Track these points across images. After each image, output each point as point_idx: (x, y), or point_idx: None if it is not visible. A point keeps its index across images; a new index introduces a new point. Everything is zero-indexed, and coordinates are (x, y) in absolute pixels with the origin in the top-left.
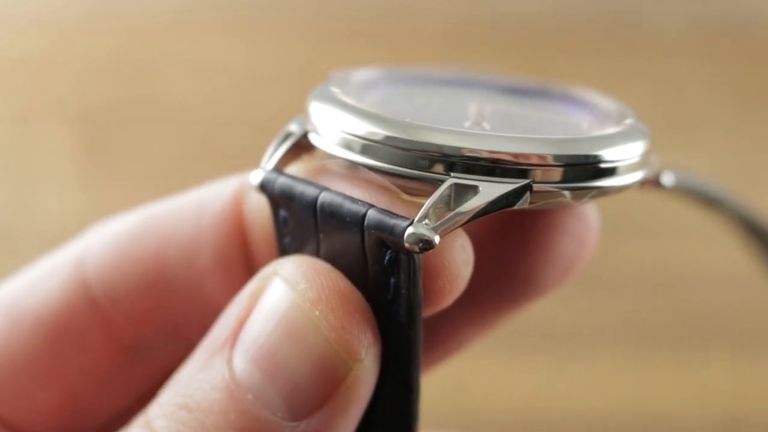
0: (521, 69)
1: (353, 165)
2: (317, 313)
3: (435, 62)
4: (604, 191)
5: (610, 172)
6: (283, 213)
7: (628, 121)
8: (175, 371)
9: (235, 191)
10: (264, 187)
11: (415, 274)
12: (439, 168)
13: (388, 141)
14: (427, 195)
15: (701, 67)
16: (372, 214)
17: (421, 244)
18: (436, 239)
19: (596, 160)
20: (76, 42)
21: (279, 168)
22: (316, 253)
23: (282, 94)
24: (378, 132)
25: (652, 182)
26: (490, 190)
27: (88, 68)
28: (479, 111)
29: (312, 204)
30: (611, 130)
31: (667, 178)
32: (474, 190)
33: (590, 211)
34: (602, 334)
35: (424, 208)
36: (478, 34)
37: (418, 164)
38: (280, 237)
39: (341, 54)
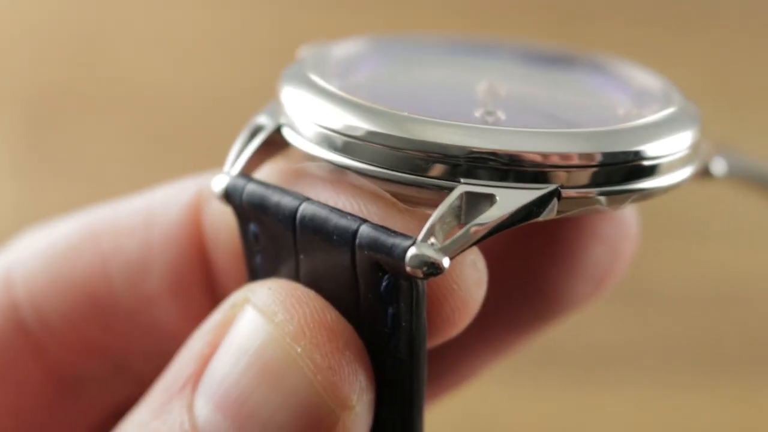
0: (547, 38)
1: (338, 168)
2: (299, 349)
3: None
4: (647, 194)
5: (655, 170)
6: (253, 227)
7: (674, 104)
8: (125, 413)
9: (191, 200)
10: (229, 197)
11: (418, 304)
12: (445, 172)
13: (380, 139)
14: (431, 205)
15: (758, 33)
16: (365, 232)
17: (426, 269)
18: (445, 262)
19: (637, 157)
20: (18, 10)
21: (247, 172)
22: (296, 276)
23: (262, 70)
24: (368, 128)
25: (701, 172)
26: (509, 198)
27: (32, 41)
28: (491, 91)
29: (290, 217)
30: (654, 117)
31: (718, 166)
32: (490, 199)
33: (627, 212)
34: (641, 357)
35: (428, 223)
36: None
37: (418, 168)
38: (250, 256)
39: (331, 20)
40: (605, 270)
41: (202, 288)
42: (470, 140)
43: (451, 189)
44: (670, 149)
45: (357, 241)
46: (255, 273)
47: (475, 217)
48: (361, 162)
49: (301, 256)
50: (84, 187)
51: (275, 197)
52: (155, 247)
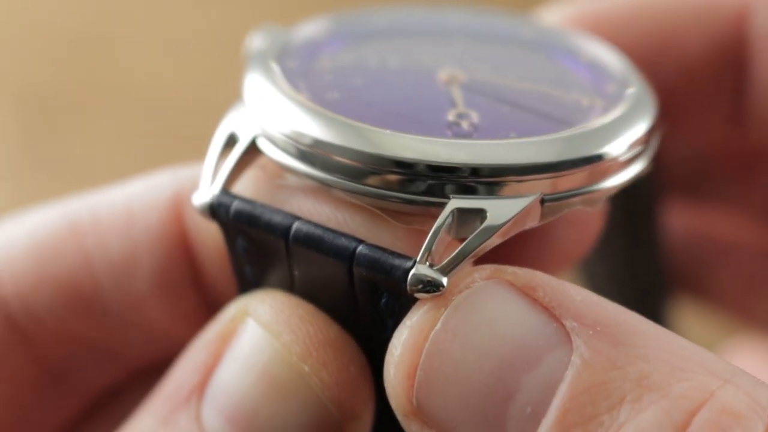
0: None
1: (324, 185)
2: (307, 368)
3: None
4: (621, 187)
5: (628, 164)
6: (242, 241)
7: (632, 87)
8: (111, 397)
9: (171, 199)
10: (215, 213)
11: None
12: (434, 189)
13: (368, 159)
14: (416, 215)
15: None
16: (363, 252)
17: (426, 288)
18: (445, 281)
19: (613, 157)
20: (12, 11)
21: (228, 187)
22: (290, 287)
23: None
24: (354, 148)
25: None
26: (498, 211)
27: (27, 41)
28: (454, 82)
29: (283, 237)
30: (620, 111)
31: None
32: (480, 213)
33: None
34: None
35: (426, 244)
36: None
37: (407, 185)
38: (239, 266)
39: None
40: (574, 248)
41: (190, 287)
42: (460, 157)
43: (441, 205)
44: (640, 142)
45: (355, 261)
46: (246, 283)
47: (466, 232)
48: (347, 180)
49: (296, 271)
50: (80, 188)
51: (265, 217)
52: (139, 248)
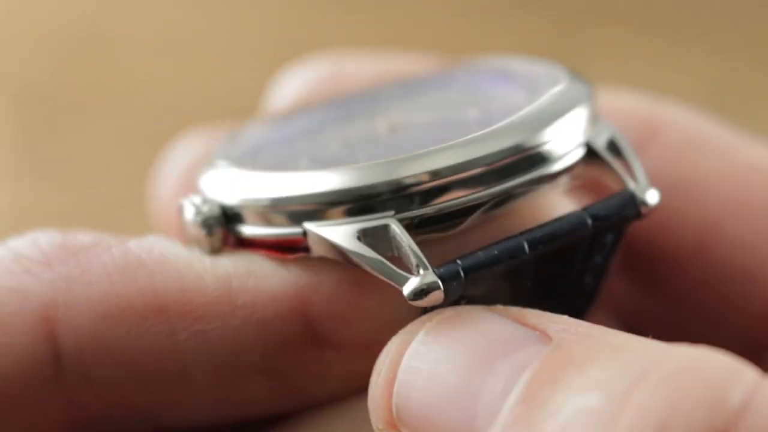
0: (541, 42)
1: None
2: None
3: (440, 34)
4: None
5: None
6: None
7: (560, 86)
8: None
9: (293, 291)
10: (447, 288)
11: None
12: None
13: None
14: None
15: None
16: (596, 211)
17: (655, 200)
18: (655, 196)
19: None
20: (12, 10)
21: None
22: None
23: (261, 70)
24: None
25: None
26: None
27: (27, 41)
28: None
29: (522, 256)
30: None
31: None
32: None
33: None
34: None
35: (635, 170)
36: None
37: None
38: None
39: (331, 21)
40: None
41: (304, 362)
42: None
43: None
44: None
45: (596, 222)
46: None
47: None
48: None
49: (528, 283)
50: (81, 188)
51: (500, 250)
52: (248, 337)
